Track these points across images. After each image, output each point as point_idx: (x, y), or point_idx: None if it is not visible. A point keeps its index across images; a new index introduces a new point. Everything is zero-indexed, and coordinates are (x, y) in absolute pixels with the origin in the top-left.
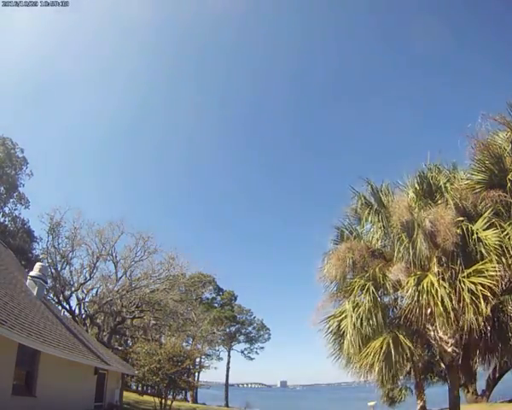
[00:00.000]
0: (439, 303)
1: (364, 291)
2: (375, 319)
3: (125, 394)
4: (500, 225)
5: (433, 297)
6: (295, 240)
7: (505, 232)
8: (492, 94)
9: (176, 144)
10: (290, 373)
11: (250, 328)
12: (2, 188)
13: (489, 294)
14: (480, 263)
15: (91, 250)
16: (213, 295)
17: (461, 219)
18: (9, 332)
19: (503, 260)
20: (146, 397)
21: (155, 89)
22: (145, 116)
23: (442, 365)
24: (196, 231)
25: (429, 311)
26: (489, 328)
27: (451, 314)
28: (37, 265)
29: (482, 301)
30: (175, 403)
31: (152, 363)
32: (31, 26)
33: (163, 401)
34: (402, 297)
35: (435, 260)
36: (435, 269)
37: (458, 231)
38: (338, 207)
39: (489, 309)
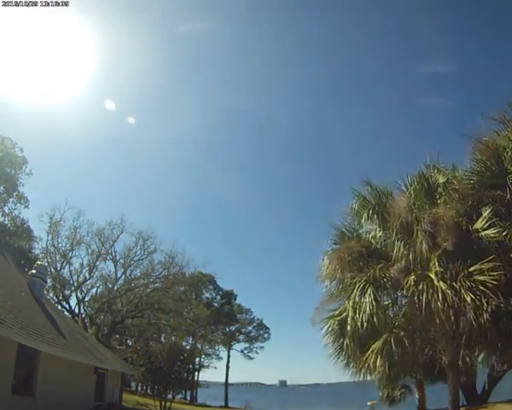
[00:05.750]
0: (440, 302)
1: (364, 291)
2: (375, 319)
3: (125, 393)
4: (500, 224)
5: (434, 296)
6: (296, 240)
7: (505, 232)
8: (492, 94)
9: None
10: (290, 373)
11: (250, 327)
12: (2, 187)
13: (490, 293)
14: (481, 263)
15: (91, 250)
16: (213, 295)
17: (461, 219)
18: (8, 331)
19: (504, 259)
20: (146, 397)
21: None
22: (144, 122)
23: (442, 364)
24: (196, 231)
25: (429, 310)
26: (489, 327)
27: (452, 313)
28: (37, 264)
29: (483, 300)
30: (174, 403)
31: (151, 363)
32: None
33: (162, 401)
34: (402, 297)
35: (435, 260)
36: (435, 269)
37: (458, 231)
38: (338, 207)
39: (489, 308)
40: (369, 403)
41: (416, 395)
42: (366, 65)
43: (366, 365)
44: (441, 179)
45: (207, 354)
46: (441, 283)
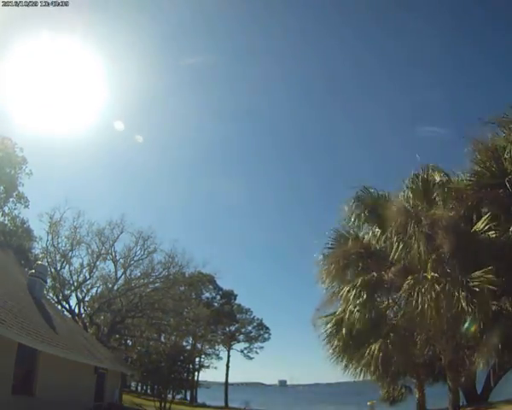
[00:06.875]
0: (438, 303)
1: (363, 292)
2: (374, 320)
3: (125, 394)
4: (499, 225)
5: (432, 298)
6: (296, 240)
7: (504, 233)
8: (492, 96)
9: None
10: (290, 373)
11: (250, 327)
12: (2, 187)
13: (488, 294)
14: (479, 264)
15: (91, 249)
16: (213, 295)
17: (459, 220)
18: (8, 331)
19: (502, 260)
20: (143, 397)
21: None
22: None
23: (442, 364)
24: (197, 231)
25: (428, 311)
26: (488, 328)
27: (450, 315)
28: (37, 264)
29: (482, 301)
30: (174, 404)
31: (151, 363)
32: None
33: (162, 401)
34: (401, 298)
35: (433, 261)
36: (433, 271)
37: (456, 232)
38: (337, 209)
39: (488, 309)
40: (368, 403)
41: (416, 396)
42: (369, 66)
43: (366, 365)
44: (439, 180)
45: (207, 354)
46: (440, 284)
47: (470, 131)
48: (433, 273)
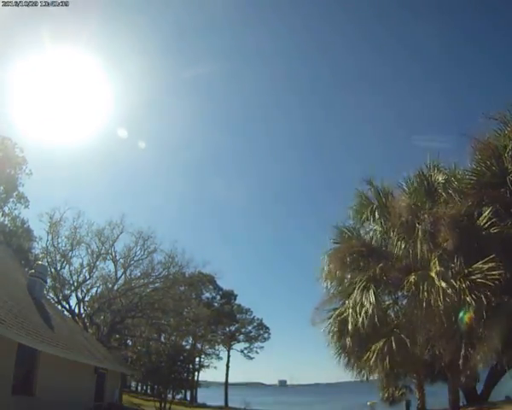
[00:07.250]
0: (441, 302)
1: (365, 291)
2: (376, 319)
3: (125, 394)
4: (500, 224)
5: (434, 296)
6: (296, 239)
7: (506, 231)
8: (492, 94)
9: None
10: (290, 373)
11: (250, 327)
12: (2, 188)
13: (490, 293)
14: (481, 262)
15: (91, 250)
16: (213, 295)
17: (461, 218)
18: (8, 331)
19: (504, 258)
20: (145, 397)
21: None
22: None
23: (442, 364)
24: (197, 231)
25: (430, 310)
26: (489, 327)
27: (452, 313)
28: (37, 264)
29: (483, 300)
30: (174, 404)
31: (151, 363)
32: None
33: (162, 401)
34: (403, 297)
35: (436, 259)
36: (436, 268)
37: (459, 230)
38: (339, 206)
39: (490, 308)
40: (368, 403)
41: (416, 396)
42: (371, 64)
43: (367, 365)
44: (441, 179)
45: (207, 354)
46: (442, 282)
47: (471, 129)
48: (437, 269)
